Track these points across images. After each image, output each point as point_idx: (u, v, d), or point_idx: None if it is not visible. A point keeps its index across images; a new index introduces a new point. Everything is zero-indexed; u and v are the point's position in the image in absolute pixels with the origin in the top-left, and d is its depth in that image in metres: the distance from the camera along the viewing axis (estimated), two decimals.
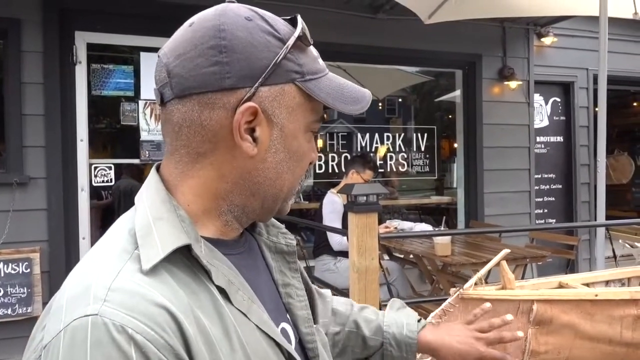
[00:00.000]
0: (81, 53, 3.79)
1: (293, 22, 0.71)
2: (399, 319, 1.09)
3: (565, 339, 1.94)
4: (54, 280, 3.64)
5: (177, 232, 0.64)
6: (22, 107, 3.62)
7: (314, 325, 0.84)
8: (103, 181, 3.90)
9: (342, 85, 0.74)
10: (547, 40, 5.50)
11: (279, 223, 0.88)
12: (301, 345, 0.80)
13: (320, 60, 0.74)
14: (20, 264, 3.59)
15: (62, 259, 3.70)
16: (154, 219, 0.65)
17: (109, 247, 0.64)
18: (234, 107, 0.66)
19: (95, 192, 3.94)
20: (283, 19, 0.72)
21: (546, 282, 2.11)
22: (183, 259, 0.64)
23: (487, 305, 1.17)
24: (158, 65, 0.69)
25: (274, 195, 0.73)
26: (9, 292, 3.54)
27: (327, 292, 1.10)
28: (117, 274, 0.58)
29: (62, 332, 0.54)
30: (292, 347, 0.72)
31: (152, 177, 0.71)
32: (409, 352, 1.06)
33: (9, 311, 3.52)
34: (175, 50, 0.67)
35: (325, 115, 0.77)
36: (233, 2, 0.71)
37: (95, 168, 3.89)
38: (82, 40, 3.80)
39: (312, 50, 0.73)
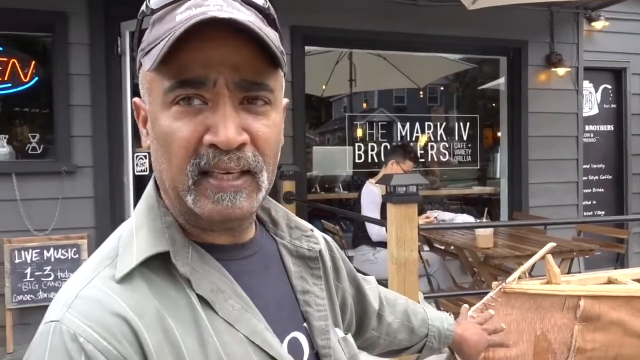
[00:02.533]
0: (126, 44, 3.86)
1: None
2: (436, 313, 1.17)
3: (614, 337, 1.87)
4: None
5: (156, 239, 0.63)
6: (69, 98, 3.74)
7: (344, 336, 0.80)
8: (142, 170, 3.95)
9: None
10: (598, 25, 5.26)
11: (305, 225, 0.82)
12: (318, 356, 0.74)
13: (185, 13, 0.60)
14: (69, 250, 3.72)
15: None
16: (136, 227, 0.65)
17: (97, 254, 0.65)
18: None
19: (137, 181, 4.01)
20: None
21: (594, 277, 2.03)
22: (166, 265, 0.63)
23: (491, 312, 1.36)
24: None
25: (170, 191, 0.65)
26: (59, 277, 3.68)
27: (371, 278, 1.08)
28: (90, 281, 0.60)
29: (37, 335, 0.57)
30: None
31: (149, 183, 0.71)
32: (445, 344, 1.14)
33: None
34: None
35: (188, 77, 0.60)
36: None
37: (137, 157, 3.97)
38: (127, 30, 3.87)
39: (179, 10, 0.61)
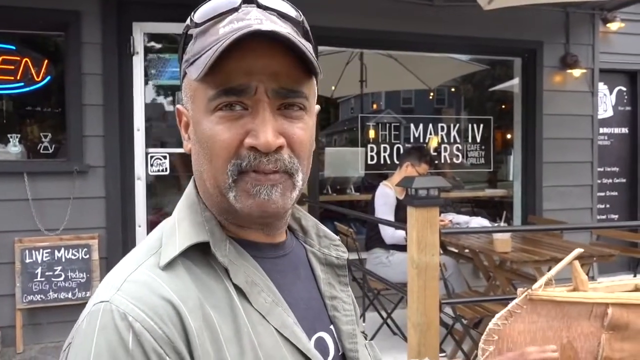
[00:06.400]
0: (138, 44, 3.84)
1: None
2: None
3: None
4: (111, 266, 3.64)
5: (197, 231, 0.68)
6: (82, 97, 3.72)
7: (365, 342, 0.83)
8: (158, 170, 3.95)
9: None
10: (614, 26, 5.19)
11: (332, 234, 0.86)
12: (344, 359, 0.78)
13: (228, 27, 0.65)
14: (80, 250, 3.70)
15: (119, 245, 3.79)
16: (178, 220, 0.70)
17: (142, 246, 0.70)
18: None
19: (151, 181, 4.00)
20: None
21: (621, 284, 1.97)
22: (205, 257, 0.67)
23: None
24: None
25: (212, 190, 0.69)
26: (69, 277, 3.66)
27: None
28: (137, 267, 0.64)
29: (86, 315, 0.61)
30: (319, 356, 0.70)
31: (190, 183, 0.76)
32: None
33: (70, 295, 3.64)
34: None
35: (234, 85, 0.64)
36: None
37: (152, 157, 3.95)
38: (140, 31, 3.85)
39: (221, 24, 0.66)
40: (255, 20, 0.65)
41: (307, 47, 0.65)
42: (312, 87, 0.71)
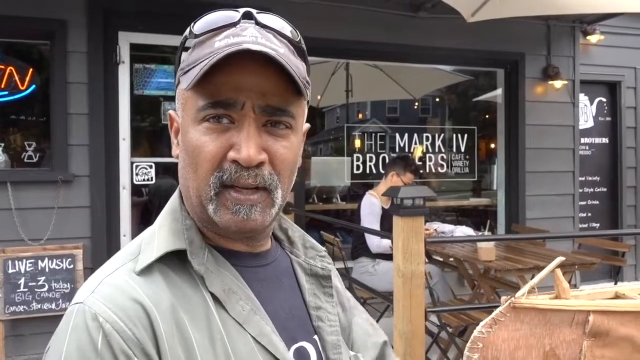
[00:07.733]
0: (124, 53, 3.84)
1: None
2: None
3: (623, 353, 1.85)
4: None
5: (175, 238, 0.69)
6: (67, 106, 3.70)
7: (355, 354, 0.84)
8: (144, 179, 3.94)
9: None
10: (594, 39, 5.31)
11: (319, 246, 0.87)
12: None
13: (224, 41, 0.66)
14: (64, 260, 3.66)
15: (104, 255, 3.76)
16: (158, 227, 0.71)
17: (122, 252, 0.71)
18: None
19: (136, 191, 3.99)
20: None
21: (602, 291, 2.01)
22: (183, 264, 0.68)
23: None
24: None
25: (194, 199, 0.70)
26: (53, 287, 3.62)
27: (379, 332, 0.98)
28: (114, 271, 0.65)
29: (64, 316, 0.63)
30: None
31: (176, 191, 0.77)
32: None
33: (53, 306, 3.60)
34: None
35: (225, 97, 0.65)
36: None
37: (137, 166, 3.93)
38: (126, 40, 3.85)
39: (218, 37, 0.67)
40: (250, 37, 0.66)
41: (296, 69, 0.67)
42: (300, 107, 0.71)
